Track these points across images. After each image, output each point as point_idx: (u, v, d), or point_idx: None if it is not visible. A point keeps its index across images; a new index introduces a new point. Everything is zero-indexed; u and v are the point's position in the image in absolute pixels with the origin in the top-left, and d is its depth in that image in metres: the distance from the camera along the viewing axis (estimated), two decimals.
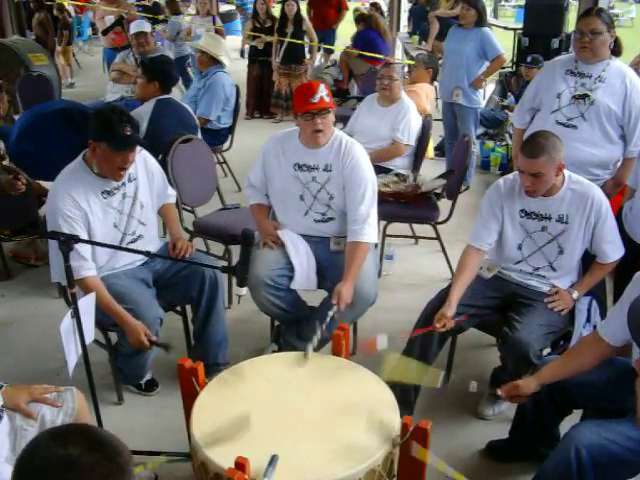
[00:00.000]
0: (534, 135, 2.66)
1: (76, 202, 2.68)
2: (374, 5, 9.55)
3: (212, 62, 5.36)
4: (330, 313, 2.65)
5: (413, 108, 4.46)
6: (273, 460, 1.77)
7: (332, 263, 2.98)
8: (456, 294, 2.70)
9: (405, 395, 2.73)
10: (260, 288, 2.89)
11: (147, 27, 6.11)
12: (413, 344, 2.74)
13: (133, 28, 6.07)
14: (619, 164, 3.33)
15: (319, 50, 8.73)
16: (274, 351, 3.18)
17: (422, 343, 2.72)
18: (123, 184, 2.83)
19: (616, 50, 3.28)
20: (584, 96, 3.22)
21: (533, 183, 2.60)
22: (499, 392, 2.33)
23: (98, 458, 1.20)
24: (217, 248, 3.96)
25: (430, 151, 5.86)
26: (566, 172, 2.68)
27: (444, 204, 4.15)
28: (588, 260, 2.80)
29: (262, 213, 3.18)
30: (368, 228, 2.90)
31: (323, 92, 2.82)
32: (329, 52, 9.65)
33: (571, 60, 3.34)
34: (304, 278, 2.97)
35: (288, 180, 3.00)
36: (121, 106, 2.86)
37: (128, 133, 2.62)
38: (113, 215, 2.81)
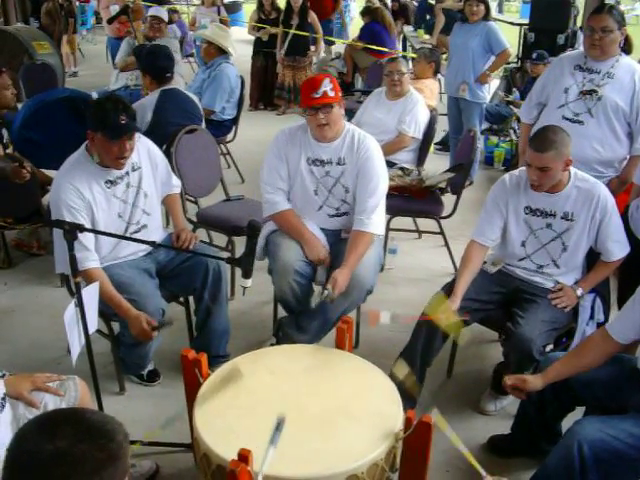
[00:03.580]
0: (543, 129, 2.66)
1: (79, 192, 2.66)
2: None
3: (219, 53, 5.33)
4: (325, 293, 2.66)
5: (421, 101, 4.44)
6: (280, 424, 1.71)
7: (339, 253, 2.96)
8: (461, 288, 2.71)
9: (409, 388, 2.72)
10: (289, 274, 2.88)
11: (165, 15, 6.11)
12: (418, 335, 2.74)
13: (152, 11, 6.10)
14: (625, 162, 3.32)
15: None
16: (272, 344, 3.17)
17: (427, 335, 2.71)
18: (127, 173, 2.82)
19: (626, 48, 3.26)
20: (592, 92, 3.21)
21: (539, 177, 2.59)
22: (505, 379, 2.33)
23: (88, 449, 1.15)
24: (220, 239, 3.95)
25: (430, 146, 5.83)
26: (572, 169, 2.67)
27: (448, 199, 4.14)
28: (593, 258, 2.79)
29: (299, 220, 3.02)
30: (375, 218, 2.90)
31: (327, 86, 2.79)
32: (329, 44, 9.58)
33: (580, 55, 3.32)
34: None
35: (302, 175, 2.99)
36: (118, 95, 2.84)
37: (123, 122, 2.59)
38: (117, 205, 2.80)
